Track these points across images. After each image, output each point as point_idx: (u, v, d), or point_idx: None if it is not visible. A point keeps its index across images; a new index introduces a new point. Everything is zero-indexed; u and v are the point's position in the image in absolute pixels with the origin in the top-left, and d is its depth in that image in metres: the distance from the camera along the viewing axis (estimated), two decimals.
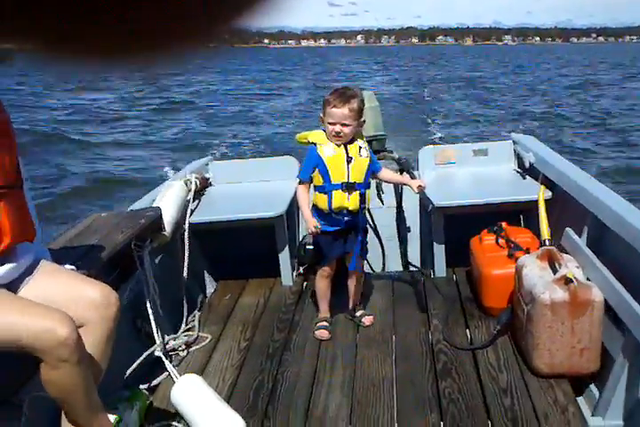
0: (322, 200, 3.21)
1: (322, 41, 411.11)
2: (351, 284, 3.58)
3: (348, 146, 3.19)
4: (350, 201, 3.20)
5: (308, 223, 3.23)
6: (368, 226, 3.63)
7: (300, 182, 3.27)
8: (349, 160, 3.17)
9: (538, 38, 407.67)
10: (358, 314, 3.60)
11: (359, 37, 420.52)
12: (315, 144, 3.20)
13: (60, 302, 2.06)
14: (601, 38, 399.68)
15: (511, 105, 24.92)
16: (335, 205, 3.18)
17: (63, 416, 2.14)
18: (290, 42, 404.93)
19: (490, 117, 20.83)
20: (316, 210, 3.26)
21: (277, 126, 19.69)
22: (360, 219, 3.33)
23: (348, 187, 3.17)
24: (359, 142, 3.23)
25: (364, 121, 3.25)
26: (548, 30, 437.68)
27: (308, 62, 67.13)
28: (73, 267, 2.44)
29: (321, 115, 3.20)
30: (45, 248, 2.41)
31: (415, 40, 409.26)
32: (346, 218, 3.24)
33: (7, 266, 2.05)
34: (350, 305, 3.64)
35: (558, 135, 16.42)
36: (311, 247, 4.30)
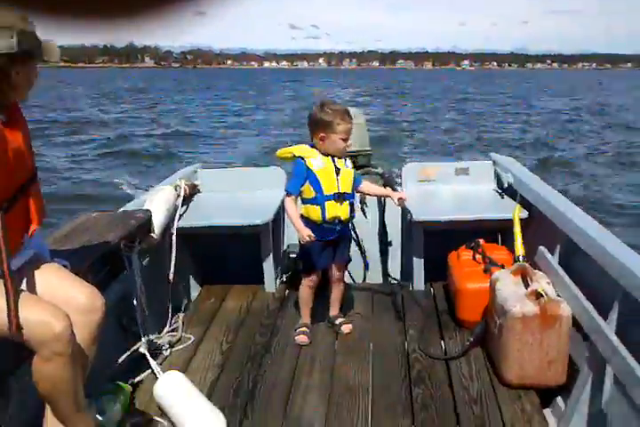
0: (314, 212, 3.30)
1: (284, 63, 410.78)
2: (334, 292, 3.70)
3: (335, 158, 3.32)
4: (342, 211, 3.32)
5: (302, 233, 3.27)
6: (352, 237, 3.75)
7: (288, 195, 3.34)
8: (338, 171, 3.30)
9: (495, 63, 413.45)
10: (338, 322, 3.70)
11: (321, 60, 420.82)
12: (301, 158, 3.30)
13: (50, 300, 2.13)
14: (555, 65, 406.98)
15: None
16: (329, 215, 3.29)
17: (47, 412, 2.20)
18: (252, 63, 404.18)
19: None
20: (307, 222, 3.32)
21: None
22: (348, 229, 3.47)
23: (340, 197, 3.30)
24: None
25: None
26: (505, 56, 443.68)
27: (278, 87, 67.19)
28: (66, 263, 2.52)
29: (322, 133, 3.26)
30: (45, 243, 2.49)
31: (376, 63, 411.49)
32: (337, 228, 3.36)
33: (12, 259, 2.13)
34: (331, 313, 3.75)
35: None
36: (294, 256, 4.42)
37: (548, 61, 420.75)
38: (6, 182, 2.03)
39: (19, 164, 2.09)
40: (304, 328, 3.61)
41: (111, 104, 38.01)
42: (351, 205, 3.36)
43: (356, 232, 4.47)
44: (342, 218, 3.33)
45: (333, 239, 3.40)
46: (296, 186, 3.30)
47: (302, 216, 3.35)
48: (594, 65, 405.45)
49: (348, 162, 3.39)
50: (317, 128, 3.29)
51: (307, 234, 3.26)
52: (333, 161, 3.31)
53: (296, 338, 3.55)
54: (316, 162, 3.28)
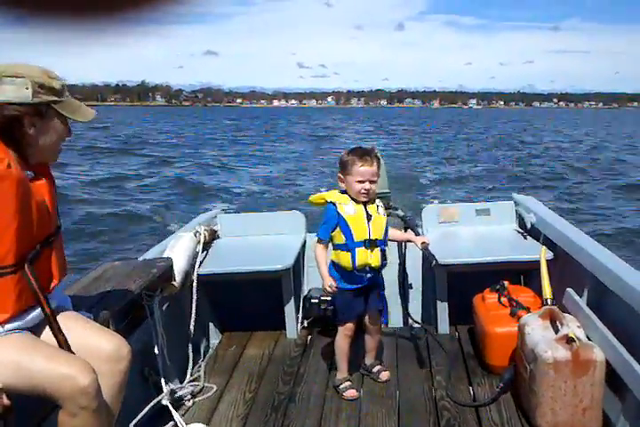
0: (345, 258, 3.24)
1: (293, 101, 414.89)
2: (371, 340, 3.61)
3: (367, 204, 3.27)
4: (373, 258, 3.24)
5: (326, 282, 3.24)
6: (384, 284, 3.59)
7: (319, 241, 3.30)
8: (369, 218, 3.24)
9: (502, 102, 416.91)
10: (376, 369, 3.62)
11: (330, 98, 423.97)
12: (333, 204, 3.25)
13: (74, 350, 2.11)
14: (562, 103, 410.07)
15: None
16: (359, 262, 3.22)
17: None
18: (262, 102, 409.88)
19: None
20: (338, 268, 3.29)
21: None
22: (381, 275, 3.39)
23: (371, 244, 3.22)
24: (376, 201, 3.33)
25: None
26: (511, 95, 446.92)
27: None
28: (89, 314, 2.51)
29: (340, 175, 3.28)
30: (66, 295, 2.48)
31: (384, 102, 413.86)
32: (368, 275, 3.28)
33: (36, 310, 2.12)
34: (367, 361, 3.67)
35: None
36: (316, 301, 4.35)
37: (555, 100, 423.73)
38: (30, 235, 2.03)
39: (42, 218, 2.09)
40: (348, 382, 3.48)
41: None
42: (382, 251, 3.28)
43: None
44: (373, 265, 3.25)
45: (365, 286, 3.33)
46: (327, 232, 3.26)
47: (333, 262, 3.30)
48: (600, 104, 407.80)
49: (381, 208, 3.33)
50: (340, 170, 3.28)
51: (329, 284, 3.22)
52: (365, 207, 3.26)
53: (344, 394, 3.41)
54: (348, 208, 3.23)
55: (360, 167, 3.18)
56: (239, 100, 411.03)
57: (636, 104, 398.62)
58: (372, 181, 3.20)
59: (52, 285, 2.19)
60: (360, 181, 3.19)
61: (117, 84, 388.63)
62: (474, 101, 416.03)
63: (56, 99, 2.06)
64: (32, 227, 2.03)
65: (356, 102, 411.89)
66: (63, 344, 2.09)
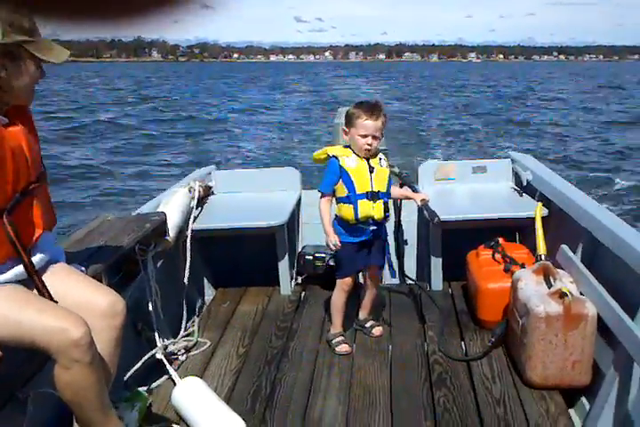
0: (347, 211, 3.23)
1: (290, 56, 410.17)
2: (368, 295, 3.61)
3: (370, 158, 3.24)
4: (375, 210, 3.23)
5: (330, 238, 3.23)
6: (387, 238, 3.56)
7: (322, 195, 3.27)
8: (372, 170, 3.22)
9: (502, 56, 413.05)
10: (369, 325, 3.64)
11: (327, 53, 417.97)
12: (335, 157, 3.23)
13: (69, 305, 2.10)
14: (562, 57, 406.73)
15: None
16: (362, 214, 3.21)
17: (74, 419, 2.17)
18: (259, 57, 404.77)
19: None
20: (341, 221, 3.28)
21: None
22: (383, 229, 3.38)
23: (373, 196, 3.21)
24: (379, 154, 3.30)
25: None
26: (511, 48, 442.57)
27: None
28: (82, 268, 2.49)
29: (345, 128, 3.24)
30: (61, 248, 2.46)
31: (382, 56, 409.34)
32: (371, 227, 3.27)
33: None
34: (361, 316, 3.68)
35: None
36: (310, 258, 4.36)
37: (555, 53, 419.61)
38: (5, 184, 1.97)
39: (19, 165, 2.01)
40: (341, 337, 3.49)
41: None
42: (385, 204, 3.27)
43: None
44: (376, 217, 3.23)
45: (367, 240, 3.31)
46: (329, 185, 3.24)
47: (337, 216, 3.29)
48: (601, 57, 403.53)
49: (384, 161, 3.30)
50: (345, 123, 3.25)
51: (333, 241, 3.21)
52: (367, 160, 3.23)
53: (337, 349, 3.42)
54: (350, 161, 3.21)
55: (365, 121, 3.14)
56: (236, 55, 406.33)
57: (636, 57, 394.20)
58: (374, 137, 3.17)
59: (37, 235, 2.13)
60: (363, 135, 3.16)
61: (113, 40, 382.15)
62: (473, 55, 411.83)
63: (27, 38, 1.91)
64: (7, 175, 1.96)
65: (354, 57, 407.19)
66: (47, 299, 2.07)
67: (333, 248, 3.25)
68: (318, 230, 3.44)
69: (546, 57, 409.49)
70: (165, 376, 3.11)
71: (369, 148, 3.17)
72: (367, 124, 3.14)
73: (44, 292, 2.08)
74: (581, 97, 38.82)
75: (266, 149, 17.99)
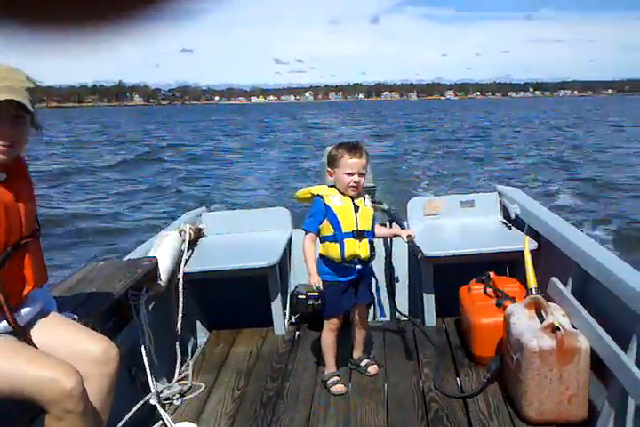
0: (333, 250, 3.24)
1: (271, 97, 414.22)
2: (359, 334, 3.61)
3: (354, 197, 3.28)
4: (361, 248, 3.25)
5: (312, 279, 3.23)
6: (374, 277, 3.61)
7: (306, 233, 3.29)
8: (357, 209, 3.26)
9: (479, 93, 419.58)
10: (363, 363, 3.62)
11: (307, 94, 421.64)
12: (320, 196, 3.26)
13: (61, 354, 2.09)
14: (538, 93, 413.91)
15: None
16: (348, 253, 3.23)
17: None
18: (240, 99, 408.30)
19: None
20: (326, 261, 3.29)
21: None
22: (369, 268, 3.40)
23: (359, 234, 3.24)
24: (362, 193, 3.34)
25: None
26: (487, 85, 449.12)
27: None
28: (75, 316, 2.49)
29: (329, 169, 3.29)
30: (52, 297, 2.45)
31: (362, 96, 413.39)
32: (357, 266, 3.29)
33: (17, 316, 2.10)
34: (355, 355, 3.67)
35: None
36: (303, 297, 4.35)
37: (531, 89, 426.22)
38: None
39: (12, 220, 2.04)
40: (336, 377, 3.47)
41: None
42: (371, 243, 3.30)
43: None
44: (362, 256, 3.26)
45: (354, 279, 3.33)
46: (314, 224, 3.26)
47: (321, 255, 3.31)
48: (575, 92, 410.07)
49: (368, 201, 3.35)
50: (328, 164, 3.31)
51: (315, 282, 3.22)
52: (352, 199, 3.27)
53: (332, 389, 3.40)
54: (335, 199, 3.25)
55: (349, 160, 3.20)
56: (217, 98, 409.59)
57: (610, 91, 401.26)
58: (360, 174, 3.22)
59: (26, 291, 2.13)
60: (349, 174, 3.20)
61: (94, 85, 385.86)
62: (451, 93, 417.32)
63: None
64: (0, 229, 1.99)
65: (334, 97, 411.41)
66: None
67: (315, 288, 3.24)
68: None
69: (522, 93, 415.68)
70: (160, 422, 3.08)
71: (355, 185, 3.21)
72: (352, 162, 3.20)
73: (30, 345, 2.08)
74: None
75: (256, 188, 18.05)
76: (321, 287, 3.23)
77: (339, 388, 3.41)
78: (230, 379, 3.66)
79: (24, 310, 2.14)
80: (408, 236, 3.39)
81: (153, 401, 3.13)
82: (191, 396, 3.45)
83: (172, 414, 3.18)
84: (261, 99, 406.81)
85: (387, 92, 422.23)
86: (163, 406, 3.17)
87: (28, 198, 2.15)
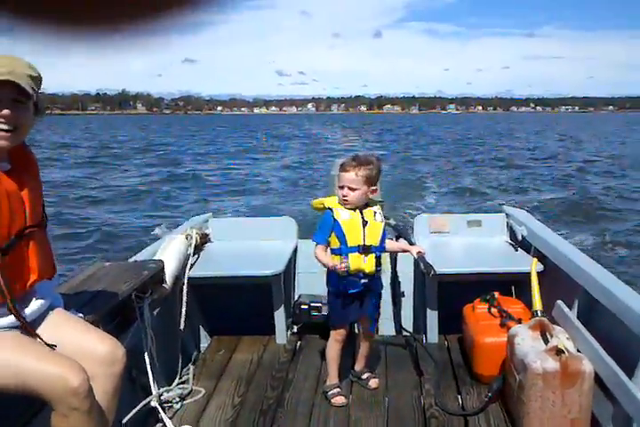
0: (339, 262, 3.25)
1: (273, 108, 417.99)
2: (363, 347, 3.61)
3: (364, 210, 3.28)
4: (367, 264, 3.26)
5: (331, 264, 3.22)
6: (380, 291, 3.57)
7: (317, 244, 3.31)
8: (365, 224, 3.26)
9: (480, 107, 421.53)
10: (365, 376, 3.62)
11: (310, 105, 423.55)
12: (330, 209, 3.28)
13: (68, 351, 2.09)
14: (539, 108, 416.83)
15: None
16: (352, 267, 3.23)
17: None
18: (242, 109, 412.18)
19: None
20: (333, 272, 3.29)
21: None
22: (376, 282, 3.39)
23: (365, 249, 3.24)
24: (374, 208, 3.34)
25: (376, 189, 3.33)
26: (489, 100, 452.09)
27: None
28: (80, 314, 2.48)
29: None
30: (59, 295, 2.46)
31: (364, 108, 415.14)
32: (362, 280, 3.28)
33: (25, 310, 2.10)
34: (357, 367, 3.66)
35: None
36: (306, 308, 4.35)
37: (532, 105, 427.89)
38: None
39: (15, 208, 2.02)
40: (337, 389, 3.46)
41: None
42: (377, 258, 3.30)
43: None
44: (366, 271, 3.27)
45: (359, 292, 3.32)
46: (323, 236, 3.27)
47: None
48: (576, 108, 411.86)
49: (379, 215, 3.34)
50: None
51: (337, 265, 3.20)
52: (361, 213, 3.28)
53: (333, 400, 3.39)
54: (344, 213, 3.26)
55: (341, 172, 3.24)
56: (219, 108, 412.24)
57: (611, 108, 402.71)
58: (350, 188, 3.21)
59: (32, 280, 2.12)
60: (341, 187, 3.24)
61: (98, 93, 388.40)
62: (452, 106, 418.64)
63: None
64: (2, 217, 1.98)
65: (336, 109, 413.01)
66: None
67: (341, 266, 3.20)
68: (314, 279, 3.45)
69: (523, 108, 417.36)
70: (159, 425, 3.07)
71: (345, 198, 3.23)
72: (341, 175, 3.24)
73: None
74: None
75: (263, 198, 18.06)
76: (342, 267, 3.19)
77: (339, 399, 3.40)
78: (230, 385, 3.65)
79: (32, 305, 2.14)
80: (418, 252, 3.39)
81: (153, 403, 3.12)
82: (191, 400, 3.44)
83: (171, 418, 3.17)
84: (264, 110, 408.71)
85: (388, 106, 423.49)
86: (163, 409, 3.17)
87: (33, 187, 2.13)
